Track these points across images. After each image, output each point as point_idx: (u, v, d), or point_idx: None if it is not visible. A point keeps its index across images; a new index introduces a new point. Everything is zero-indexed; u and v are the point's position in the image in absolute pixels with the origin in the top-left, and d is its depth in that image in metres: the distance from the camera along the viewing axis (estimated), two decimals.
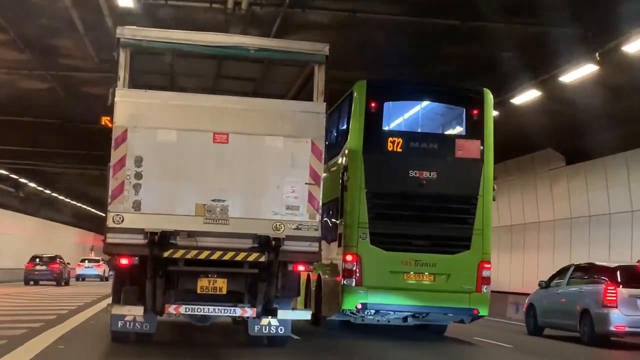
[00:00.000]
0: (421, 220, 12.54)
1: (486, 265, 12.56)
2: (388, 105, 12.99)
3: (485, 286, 12.54)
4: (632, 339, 13.99)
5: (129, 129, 9.65)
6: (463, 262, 12.49)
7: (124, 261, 9.66)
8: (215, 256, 9.63)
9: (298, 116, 10.20)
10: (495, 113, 13.42)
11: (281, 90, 11.90)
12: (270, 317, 10.00)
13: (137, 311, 9.66)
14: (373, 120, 12.70)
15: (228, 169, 9.93)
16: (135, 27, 10.06)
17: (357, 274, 12.24)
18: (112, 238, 9.50)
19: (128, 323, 9.94)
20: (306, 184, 9.98)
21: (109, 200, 9.52)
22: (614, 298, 13.29)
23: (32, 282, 35.10)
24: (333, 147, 13.28)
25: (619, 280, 13.50)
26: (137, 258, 9.61)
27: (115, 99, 9.68)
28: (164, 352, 10.19)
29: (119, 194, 9.54)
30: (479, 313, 12.56)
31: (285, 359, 10.28)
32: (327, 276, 13.33)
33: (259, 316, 9.88)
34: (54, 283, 35.33)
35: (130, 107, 9.77)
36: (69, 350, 10.14)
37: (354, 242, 12.34)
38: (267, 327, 10.27)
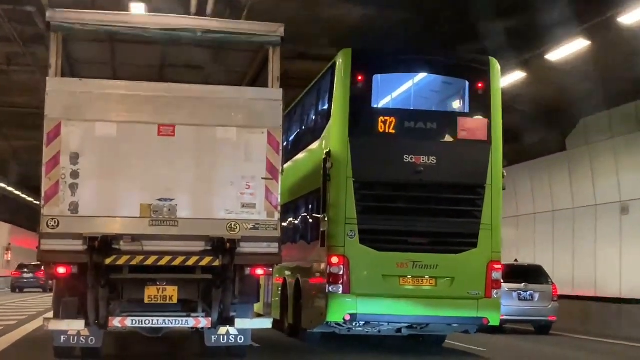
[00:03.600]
0: (419, 214, 14.25)
1: (496, 266, 14.28)
2: (377, 79, 14.69)
3: (495, 290, 14.24)
4: (510, 325, 21.03)
5: (62, 122, 11.54)
6: (469, 263, 14.20)
7: (61, 270, 11.61)
8: (163, 262, 11.49)
9: (252, 104, 12.04)
10: None
11: (234, 79, 13.77)
12: (227, 326, 11.90)
13: (78, 325, 11.58)
14: (360, 97, 14.38)
15: (175, 165, 11.81)
16: (67, 9, 11.94)
17: (345, 279, 13.91)
18: (46, 245, 11.40)
19: (72, 337, 11.90)
20: (263, 179, 11.81)
21: (42, 202, 11.47)
22: None
23: (17, 290, 46.28)
24: (312, 131, 15.07)
25: None
26: (76, 266, 11.56)
27: (47, 89, 11.59)
28: None
29: (54, 196, 11.44)
30: (489, 322, 14.27)
31: None
32: (307, 282, 15.21)
33: (214, 326, 11.79)
34: (41, 290, 44.33)
35: (64, 98, 11.67)
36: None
37: (340, 242, 14.02)
38: (225, 337, 12.22)
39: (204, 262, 11.55)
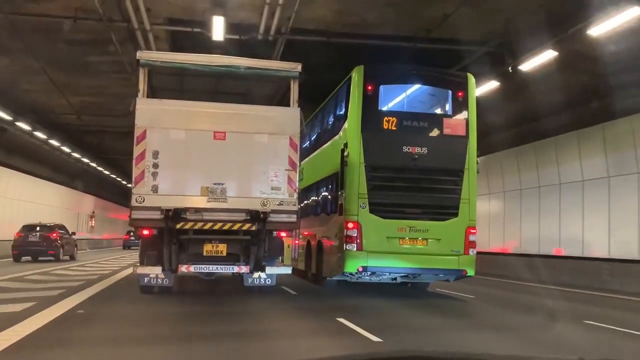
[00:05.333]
0: (414, 191, 18.70)
1: (472, 231, 18.73)
2: (383, 88, 19.28)
3: (471, 249, 18.73)
4: None
5: (147, 129, 16.49)
6: (452, 228, 18.62)
7: (145, 232, 16.81)
8: (217, 227, 16.39)
9: (278, 118, 16.88)
10: None
11: (266, 101, 18.74)
12: (260, 272, 16.91)
13: (157, 270, 16.65)
14: (370, 102, 18.93)
15: (225, 160, 16.66)
16: (151, 50, 17.08)
17: (358, 240, 18.34)
18: (135, 214, 16.44)
19: (152, 279, 17.13)
20: (286, 170, 16.71)
21: (133, 185, 16.50)
22: None
23: (127, 248, 67.21)
24: (333, 128, 19.82)
25: None
26: (156, 229, 16.60)
27: (137, 106, 16.59)
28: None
29: (141, 180, 16.42)
30: (467, 273, 18.77)
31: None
32: (328, 242, 20.11)
33: (251, 271, 16.80)
34: None
35: (148, 113, 16.64)
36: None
37: (354, 211, 18.53)
38: (258, 280, 17.37)
39: (244, 227, 16.38)
